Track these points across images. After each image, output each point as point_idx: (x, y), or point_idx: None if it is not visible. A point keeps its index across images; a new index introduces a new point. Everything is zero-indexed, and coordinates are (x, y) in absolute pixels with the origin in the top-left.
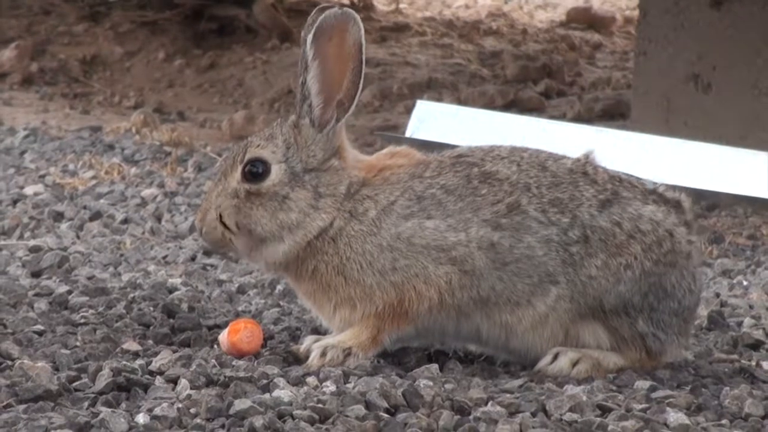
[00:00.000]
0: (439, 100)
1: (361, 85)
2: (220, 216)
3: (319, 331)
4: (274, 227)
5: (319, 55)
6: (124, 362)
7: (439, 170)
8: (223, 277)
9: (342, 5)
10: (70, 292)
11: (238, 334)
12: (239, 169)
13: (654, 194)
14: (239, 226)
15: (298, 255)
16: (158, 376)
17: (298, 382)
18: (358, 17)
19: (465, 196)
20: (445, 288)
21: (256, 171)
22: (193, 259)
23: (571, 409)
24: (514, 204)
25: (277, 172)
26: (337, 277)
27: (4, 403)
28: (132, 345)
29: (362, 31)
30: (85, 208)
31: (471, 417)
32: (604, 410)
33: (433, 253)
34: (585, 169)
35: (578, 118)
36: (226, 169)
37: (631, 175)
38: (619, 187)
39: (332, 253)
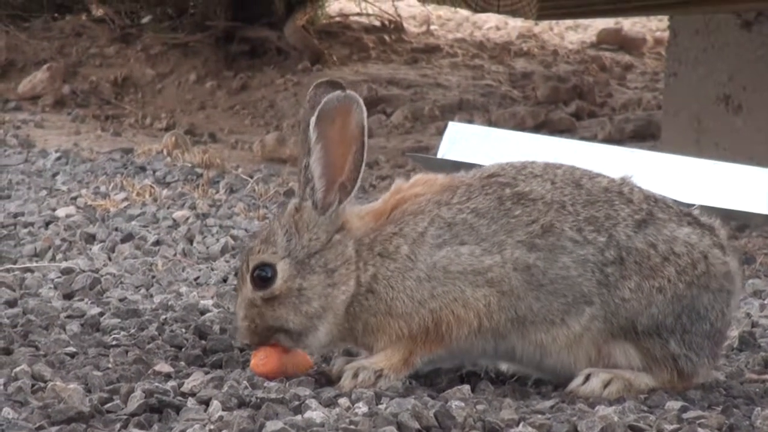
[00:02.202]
0: (470, 121)
1: (363, 167)
2: (251, 325)
3: (350, 352)
4: (304, 320)
5: (322, 139)
6: (156, 384)
7: (468, 194)
8: None
9: (343, 84)
10: (102, 314)
11: (255, 357)
12: (248, 279)
13: (689, 216)
14: (273, 328)
15: (344, 327)
16: (190, 398)
17: (330, 403)
18: (360, 100)
19: (498, 218)
20: (483, 311)
21: (264, 275)
22: (224, 280)
23: (602, 430)
24: (549, 225)
25: (283, 269)
26: (386, 318)
27: (37, 425)
28: (164, 367)
29: (365, 113)
30: (116, 229)
31: None
32: (636, 431)
33: (470, 277)
34: (620, 189)
35: (609, 139)
36: (239, 282)
37: (666, 197)
38: (654, 208)
39: (375, 302)
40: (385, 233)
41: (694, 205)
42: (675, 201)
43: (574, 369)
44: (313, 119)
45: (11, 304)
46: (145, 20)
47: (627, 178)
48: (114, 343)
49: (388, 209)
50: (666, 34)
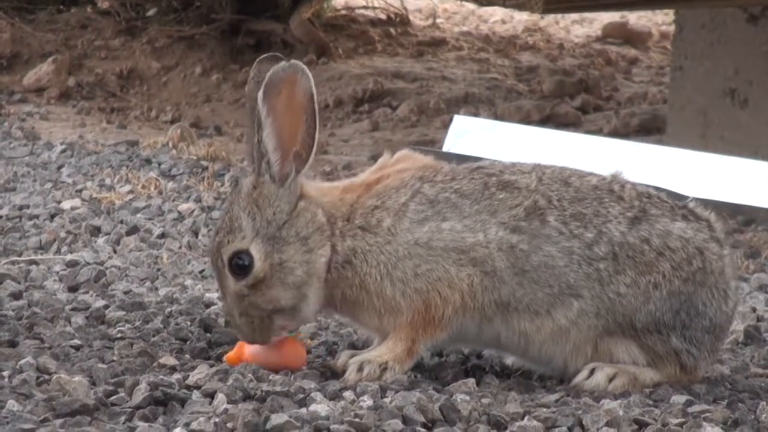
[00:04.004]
0: (476, 114)
1: (317, 135)
2: (248, 320)
3: (355, 345)
4: (294, 292)
5: (272, 112)
6: (161, 376)
7: (452, 176)
8: None
9: (284, 58)
10: (107, 307)
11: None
12: (227, 274)
13: (684, 209)
14: (268, 311)
15: (325, 293)
16: (195, 391)
17: (335, 396)
18: (305, 68)
19: (481, 200)
20: (467, 290)
21: (242, 263)
22: None
23: (607, 424)
24: (533, 208)
25: (258, 250)
26: (361, 293)
27: (42, 418)
28: (169, 359)
29: (311, 81)
30: (122, 222)
31: (508, 431)
32: (641, 425)
33: (453, 255)
34: (611, 187)
35: (614, 133)
36: (219, 279)
37: (662, 191)
38: (647, 204)
39: (352, 275)
40: (366, 206)
41: (690, 198)
42: (671, 195)
43: (563, 362)
44: (260, 94)
45: (16, 296)
46: (150, 13)
47: (618, 174)
48: (119, 335)
49: (369, 182)
50: (672, 28)
